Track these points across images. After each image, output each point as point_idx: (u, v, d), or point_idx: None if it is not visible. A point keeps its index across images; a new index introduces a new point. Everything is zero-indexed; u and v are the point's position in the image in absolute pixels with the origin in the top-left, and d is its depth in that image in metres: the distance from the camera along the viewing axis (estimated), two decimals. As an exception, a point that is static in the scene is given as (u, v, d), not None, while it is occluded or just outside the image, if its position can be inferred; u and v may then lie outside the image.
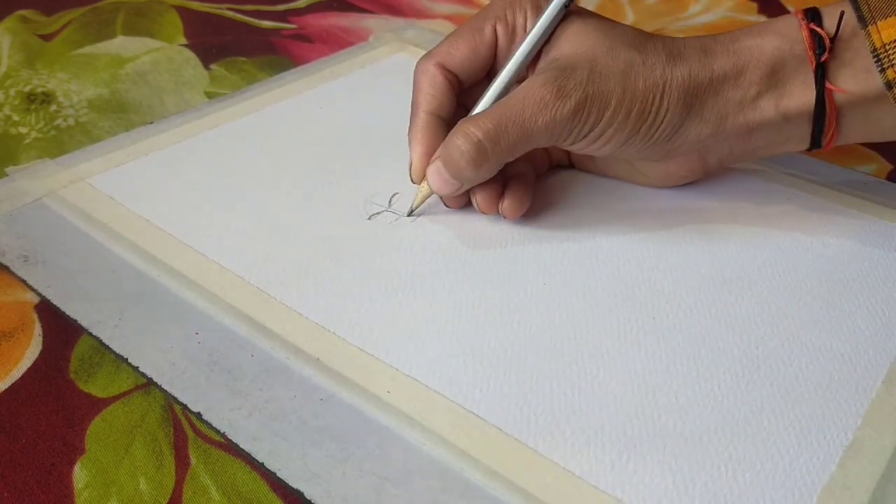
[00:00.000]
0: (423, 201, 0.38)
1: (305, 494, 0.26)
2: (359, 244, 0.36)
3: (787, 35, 0.34)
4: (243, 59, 0.53)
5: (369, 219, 0.38)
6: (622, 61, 0.34)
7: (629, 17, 0.61)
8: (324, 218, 0.38)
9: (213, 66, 0.52)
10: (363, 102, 0.47)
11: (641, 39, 0.35)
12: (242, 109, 0.46)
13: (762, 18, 0.63)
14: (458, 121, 0.35)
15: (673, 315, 0.33)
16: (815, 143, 0.35)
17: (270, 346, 0.31)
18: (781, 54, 0.34)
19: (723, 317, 0.33)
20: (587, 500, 0.26)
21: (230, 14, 0.59)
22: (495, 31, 0.36)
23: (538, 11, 0.36)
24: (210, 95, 0.49)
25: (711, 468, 0.27)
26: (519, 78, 0.36)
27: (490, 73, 0.37)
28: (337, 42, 0.56)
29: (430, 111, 0.36)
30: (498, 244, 0.36)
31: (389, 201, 0.39)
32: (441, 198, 0.38)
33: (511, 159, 0.35)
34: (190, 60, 0.53)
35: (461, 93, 0.38)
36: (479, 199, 0.36)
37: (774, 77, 0.34)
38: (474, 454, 0.27)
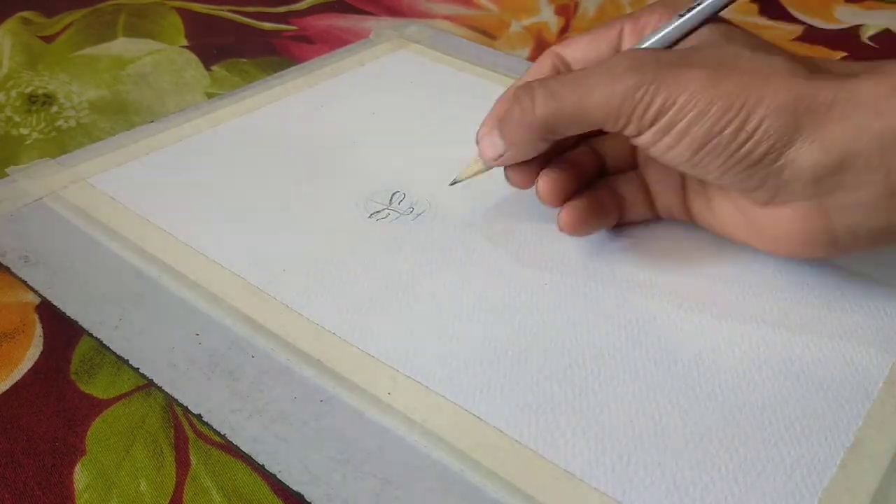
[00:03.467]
0: (472, 175, 0.36)
1: (306, 497, 0.26)
2: (359, 243, 0.36)
3: None
4: (244, 60, 0.53)
5: (370, 217, 0.38)
6: (725, 53, 0.29)
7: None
8: (324, 217, 0.38)
9: (214, 68, 0.52)
10: (364, 100, 0.47)
11: (769, 45, 0.30)
12: (242, 108, 0.46)
13: (763, 20, 0.63)
14: None
15: (674, 315, 0.33)
16: None
17: (271, 348, 0.31)
18: None
19: (724, 316, 0.33)
20: (587, 502, 0.26)
21: (231, 16, 0.59)
22: (622, 28, 0.33)
23: (674, 12, 0.32)
24: (211, 97, 0.49)
25: (712, 470, 0.27)
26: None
27: None
28: (338, 43, 0.56)
29: None
30: (499, 244, 0.36)
31: (390, 200, 0.39)
32: (507, 175, 0.35)
33: (561, 134, 0.32)
34: (191, 62, 0.53)
35: None
36: (540, 182, 0.34)
37: None
38: (475, 456, 0.27)
